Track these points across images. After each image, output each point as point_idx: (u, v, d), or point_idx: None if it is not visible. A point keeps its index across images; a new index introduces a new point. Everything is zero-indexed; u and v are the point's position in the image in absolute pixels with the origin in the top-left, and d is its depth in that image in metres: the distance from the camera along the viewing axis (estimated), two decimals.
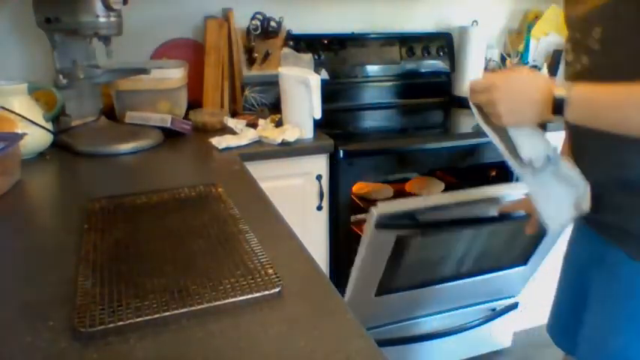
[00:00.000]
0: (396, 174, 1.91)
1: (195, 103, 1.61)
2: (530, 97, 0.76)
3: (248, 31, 1.64)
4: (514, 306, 1.68)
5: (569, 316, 1.01)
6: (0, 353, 0.54)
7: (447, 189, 1.80)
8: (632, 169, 0.79)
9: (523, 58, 2.05)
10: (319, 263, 0.74)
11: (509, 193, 1.18)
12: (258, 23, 1.62)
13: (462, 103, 1.98)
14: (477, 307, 1.62)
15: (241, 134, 1.37)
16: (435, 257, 1.34)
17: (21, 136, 1.09)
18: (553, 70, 1.98)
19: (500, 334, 1.79)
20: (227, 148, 1.30)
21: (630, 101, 0.69)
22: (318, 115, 1.37)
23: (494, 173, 1.75)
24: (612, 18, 0.76)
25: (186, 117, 1.53)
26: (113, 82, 1.43)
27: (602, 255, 0.89)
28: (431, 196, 1.38)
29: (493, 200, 1.16)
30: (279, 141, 1.33)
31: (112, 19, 1.24)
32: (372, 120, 1.85)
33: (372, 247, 1.19)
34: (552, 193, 0.81)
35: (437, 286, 1.44)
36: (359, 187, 1.79)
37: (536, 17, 2.07)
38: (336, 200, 1.46)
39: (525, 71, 0.80)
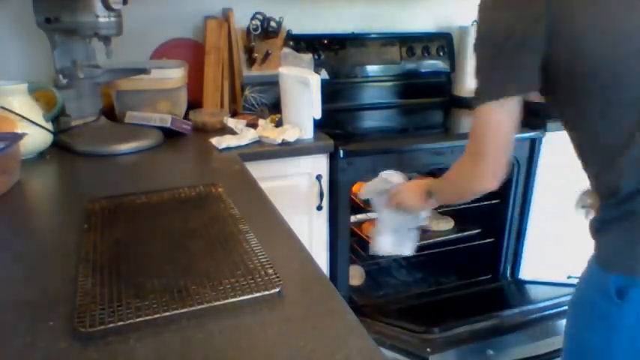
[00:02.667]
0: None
1: (195, 103, 1.61)
2: (412, 196, 1.20)
3: (248, 31, 1.64)
4: None
5: None
6: (0, 353, 0.54)
7: None
8: None
9: None
10: (319, 263, 0.74)
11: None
12: (258, 23, 1.62)
13: (462, 103, 1.98)
14: None
15: (241, 134, 1.37)
16: None
17: (21, 136, 1.09)
18: None
19: None
20: (227, 148, 1.30)
21: (451, 189, 1.11)
22: (318, 115, 1.37)
23: None
24: None
25: (186, 117, 1.53)
26: (113, 82, 1.43)
27: None
28: None
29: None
30: (279, 141, 1.33)
31: (112, 19, 1.24)
32: (372, 120, 1.85)
33: None
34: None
35: None
36: (359, 187, 1.79)
37: None
38: (336, 200, 1.46)
39: (407, 186, 1.24)
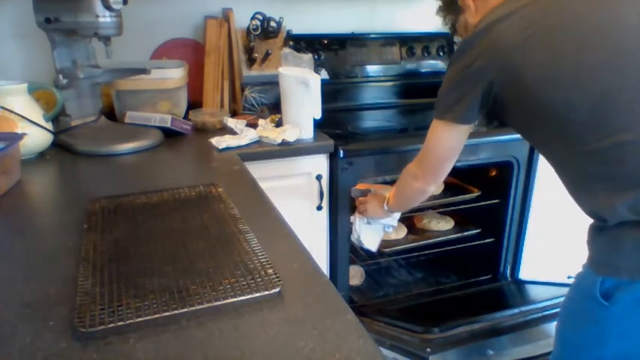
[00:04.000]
0: (397, 174, 1.91)
1: (195, 103, 1.61)
2: (374, 207, 1.36)
3: (248, 31, 1.64)
4: None
5: None
6: (0, 353, 0.54)
7: (446, 189, 1.80)
8: None
9: None
10: (319, 263, 0.74)
11: None
12: (258, 23, 1.62)
13: None
14: None
15: (241, 134, 1.37)
16: None
17: (21, 136, 1.09)
18: None
19: None
20: (227, 148, 1.30)
21: (397, 192, 1.27)
22: (318, 115, 1.37)
23: (494, 173, 1.75)
24: None
25: (186, 117, 1.53)
26: (113, 82, 1.43)
27: None
28: None
29: None
30: (279, 141, 1.33)
31: (112, 19, 1.24)
32: (372, 120, 1.85)
33: None
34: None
35: None
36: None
37: None
38: (336, 200, 1.45)
39: (373, 197, 1.38)
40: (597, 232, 0.87)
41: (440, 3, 1.21)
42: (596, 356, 0.88)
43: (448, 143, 1.06)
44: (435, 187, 1.18)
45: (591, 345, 0.88)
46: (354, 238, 1.46)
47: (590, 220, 0.90)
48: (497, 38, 0.88)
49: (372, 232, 1.44)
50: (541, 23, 0.86)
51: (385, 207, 1.32)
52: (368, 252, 1.54)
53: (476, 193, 1.73)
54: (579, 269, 0.91)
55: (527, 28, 0.86)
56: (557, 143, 0.90)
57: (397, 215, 1.38)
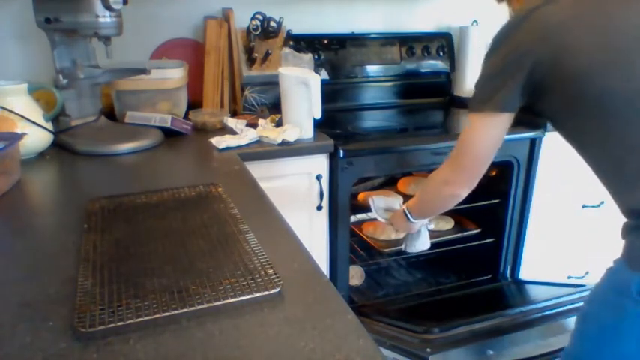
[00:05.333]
0: (397, 174, 1.91)
1: (195, 103, 1.61)
2: (398, 222, 1.33)
3: (248, 31, 1.64)
4: None
5: None
6: (0, 353, 0.54)
7: None
8: None
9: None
10: (319, 263, 0.74)
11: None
12: (258, 23, 1.62)
13: (462, 103, 1.98)
14: None
15: (241, 134, 1.37)
16: None
17: (21, 136, 1.09)
18: None
19: None
20: (227, 148, 1.30)
21: (421, 198, 1.22)
22: (318, 115, 1.37)
23: (494, 173, 1.75)
24: None
25: (186, 117, 1.53)
26: (113, 82, 1.43)
27: None
28: None
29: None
30: (279, 141, 1.33)
31: (112, 19, 1.24)
32: (372, 120, 1.85)
33: None
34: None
35: None
36: (364, 197, 1.76)
37: None
38: (336, 200, 1.46)
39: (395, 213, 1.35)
40: (635, 229, 0.85)
41: None
42: (621, 352, 0.86)
43: (489, 137, 0.99)
44: (468, 192, 1.09)
45: (617, 340, 0.86)
46: (407, 248, 1.44)
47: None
48: (544, 19, 0.86)
49: (416, 236, 1.41)
50: (591, 4, 0.85)
51: (411, 219, 1.26)
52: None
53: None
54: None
55: (575, 9, 0.84)
56: (597, 135, 0.87)
57: (426, 221, 1.35)
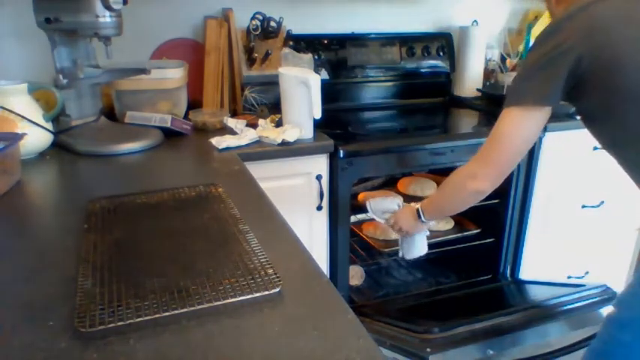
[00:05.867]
0: (396, 174, 1.91)
1: (195, 103, 1.61)
2: (405, 220, 1.31)
3: (248, 31, 1.64)
4: None
5: None
6: (0, 353, 0.54)
7: None
8: None
9: (523, 57, 2.05)
10: (319, 263, 0.74)
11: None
12: (258, 23, 1.62)
13: (462, 103, 1.98)
14: None
15: (241, 134, 1.37)
16: None
17: (21, 136, 1.09)
18: None
19: None
20: (227, 148, 1.30)
21: (440, 197, 1.21)
22: (318, 115, 1.37)
23: None
24: None
25: (186, 117, 1.53)
26: (113, 82, 1.43)
27: None
28: None
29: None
30: (279, 141, 1.33)
31: (112, 19, 1.24)
32: (372, 120, 1.85)
33: None
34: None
35: None
36: (364, 196, 1.76)
37: (536, 17, 2.07)
38: (336, 200, 1.46)
39: (401, 210, 1.35)
40: None
41: None
42: None
43: (527, 132, 0.98)
44: (492, 190, 1.07)
45: None
46: (404, 255, 1.43)
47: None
48: (593, 16, 0.87)
49: (412, 241, 1.40)
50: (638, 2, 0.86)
51: (422, 218, 1.24)
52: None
53: None
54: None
55: (626, 7, 0.86)
56: (633, 130, 0.87)
57: (433, 223, 1.34)
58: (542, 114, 0.96)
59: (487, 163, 1.03)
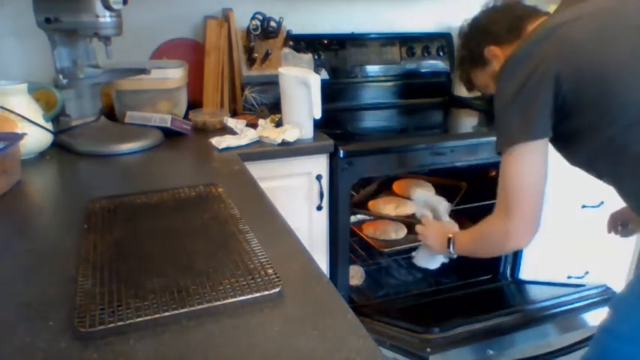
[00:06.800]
0: (396, 173, 1.91)
1: (195, 103, 1.61)
2: (434, 239, 1.25)
3: (248, 31, 1.64)
4: None
5: None
6: (0, 353, 0.54)
7: (443, 188, 1.80)
8: None
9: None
10: (319, 263, 0.74)
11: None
12: (258, 23, 1.62)
13: (462, 103, 1.98)
14: None
15: (241, 134, 1.37)
16: None
17: (21, 136, 1.09)
18: None
19: None
20: (227, 148, 1.30)
21: (476, 246, 1.14)
22: (318, 115, 1.37)
23: (494, 173, 1.75)
24: None
25: (186, 117, 1.53)
26: (113, 82, 1.43)
27: None
28: None
29: None
30: (279, 141, 1.33)
31: (112, 19, 1.24)
32: (372, 120, 1.85)
33: None
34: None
35: None
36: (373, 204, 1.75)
37: None
38: (336, 200, 1.45)
39: (435, 226, 1.30)
40: None
41: (461, 58, 1.14)
42: None
43: (533, 170, 0.91)
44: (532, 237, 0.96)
45: None
46: (416, 260, 1.39)
47: None
48: (565, 37, 0.85)
49: (433, 256, 1.36)
50: (612, 23, 0.84)
51: (451, 249, 1.18)
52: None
53: (463, 187, 1.74)
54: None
55: (598, 26, 0.84)
56: (632, 156, 0.83)
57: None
58: (543, 145, 0.90)
59: (512, 219, 0.93)
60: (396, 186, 1.86)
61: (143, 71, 1.37)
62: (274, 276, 0.67)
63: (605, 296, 1.58)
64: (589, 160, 0.94)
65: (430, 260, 1.35)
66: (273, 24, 1.63)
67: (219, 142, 1.31)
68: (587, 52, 0.84)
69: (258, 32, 1.63)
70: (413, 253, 1.41)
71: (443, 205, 1.37)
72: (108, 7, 1.21)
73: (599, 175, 0.95)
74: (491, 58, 1.03)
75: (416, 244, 1.70)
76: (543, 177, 0.91)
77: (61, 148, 1.28)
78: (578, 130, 0.88)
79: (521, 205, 0.92)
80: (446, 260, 1.33)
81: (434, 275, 1.88)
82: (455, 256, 1.23)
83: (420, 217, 1.37)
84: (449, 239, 1.19)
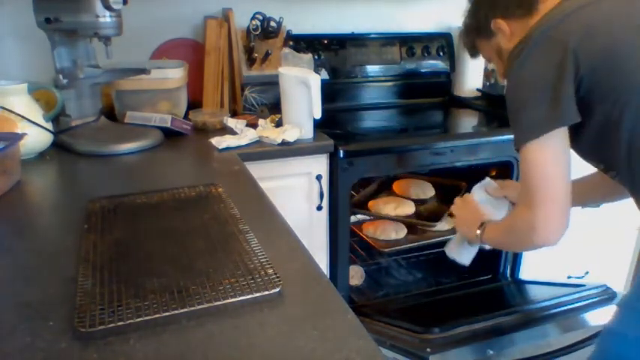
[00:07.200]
0: (396, 173, 1.91)
1: (195, 103, 1.61)
2: (466, 222, 1.18)
3: (248, 31, 1.64)
4: None
5: None
6: (0, 353, 0.54)
7: (443, 188, 1.81)
8: None
9: None
10: (319, 263, 0.74)
11: None
12: (258, 23, 1.62)
13: (462, 103, 1.98)
14: None
15: (241, 134, 1.37)
16: None
17: (21, 136, 1.09)
18: None
19: None
20: (227, 148, 1.30)
21: (504, 238, 1.06)
22: (318, 115, 1.37)
23: (494, 173, 1.75)
24: None
25: (186, 117, 1.53)
26: (113, 82, 1.43)
27: None
28: None
29: None
30: (279, 141, 1.33)
31: (112, 19, 1.24)
32: (372, 120, 1.85)
33: None
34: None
35: None
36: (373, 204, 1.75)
37: None
38: (336, 200, 1.45)
39: (471, 208, 1.20)
40: None
41: (468, 25, 1.08)
42: None
43: (557, 158, 0.85)
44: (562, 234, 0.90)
45: None
46: (448, 250, 1.32)
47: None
48: (582, 22, 0.82)
49: (467, 247, 1.27)
50: (625, 11, 0.83)
51: (478, 234, 1.11)
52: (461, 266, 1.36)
53: (463, 187, 1.74)
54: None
55: (617, 13, 0.83)
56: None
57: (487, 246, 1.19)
58: (564, 130, 0.85)
59: (535, 208, 0.87)
60: (396, 186, 1.86)
61: (143, 71, 1.37)
62: (274, 276, 0.67)
63: (605, 296, 1.58)
64: (598, 149, 0.90)
65: (462, 252, 1.25)
66: (273, 24, 1.63)
67: (219, 142, 1.31)
68: (605, 35, 0.81)
69: (258, 32, 1.63)
70: (446, 244, 1.33)
71: (507, 204, 1.25)
72: (108, 7, 1.21)
73: (607, 168, 0.92)
74: (496, 31, 0.98)
75: (416, 244, 1.71)
76: (568, 167, 0.86)
77: (61, 148, 1.28)
78: (591, 116, 0.85)
79: (546, 193, 0.86)
80: (474, 254, 1.24)
81: (434, 275, 1.88)
82: (486, 247, 1.14)
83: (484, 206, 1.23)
84: (482, 224, 1.10)
